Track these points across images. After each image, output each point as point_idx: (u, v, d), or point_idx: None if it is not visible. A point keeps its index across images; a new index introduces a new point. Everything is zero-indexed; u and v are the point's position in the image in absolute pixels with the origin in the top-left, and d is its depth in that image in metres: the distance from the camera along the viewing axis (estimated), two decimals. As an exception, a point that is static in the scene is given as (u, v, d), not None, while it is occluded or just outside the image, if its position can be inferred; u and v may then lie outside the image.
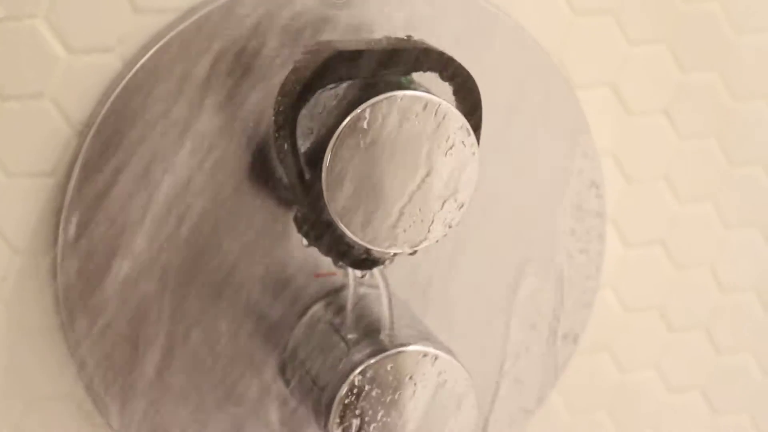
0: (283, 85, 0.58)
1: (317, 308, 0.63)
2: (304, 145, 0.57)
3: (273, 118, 0.58)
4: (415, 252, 0.58)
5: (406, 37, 0.57)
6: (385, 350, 0.59)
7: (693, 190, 0.69)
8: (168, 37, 0.59)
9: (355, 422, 0.58)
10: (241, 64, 0.59)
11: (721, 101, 0.69)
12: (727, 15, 0.67)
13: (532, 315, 0.67)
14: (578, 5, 0.65)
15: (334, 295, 0.63)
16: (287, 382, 0.63)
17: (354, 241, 0.57)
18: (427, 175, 0.56)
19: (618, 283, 0.69)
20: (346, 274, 0.62)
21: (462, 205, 0.57)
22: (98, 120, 0.59)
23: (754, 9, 0.68)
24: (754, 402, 0.73)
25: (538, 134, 0.65)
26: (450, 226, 0.57)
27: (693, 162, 0.69)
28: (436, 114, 0.56)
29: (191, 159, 0.60)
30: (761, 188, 0.70)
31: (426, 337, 0.60)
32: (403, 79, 0.57)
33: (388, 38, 0.57)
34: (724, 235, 0.70)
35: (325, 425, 0.59)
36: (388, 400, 0.59)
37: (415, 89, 0.56)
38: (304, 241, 0.60)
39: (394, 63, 0.56)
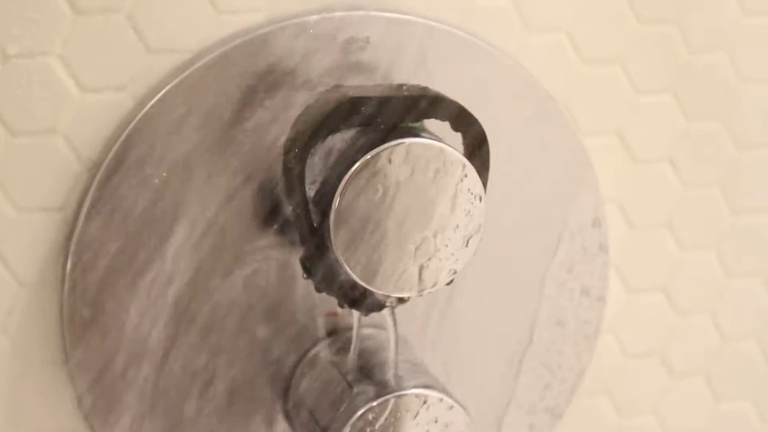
0: (293, 129, 0.58)
1: (321, 348, 0.63)
2: (312, 188, 0.58)
3: (282, 160, 0.59)
4: (421, 295, 0.58)
5: (416, 85, 0.58)
6: (388, 393, 0.59)
7: (696, 237, 0.70)
8: (180, 77, 0.59)
9: (358, 464, 0.59)
10: (251, 105, 0.60)
11: (726, 150, 0.69)
12: (732, 65, 0.68)
13: (536, 359, 0.67)
14: (586, 54, 0.65)
15: (337, 335, 0.63)
16: (290, 422, 0.63)
17: (360, 285, 0.57)
18: (435, 220, 0.57)
19: (619, 328, 0.70)
20: (350, 315, 0.62)
21: (468, 251, 0.58)
22: (109, 157, 0.59)
23: (758, 59, 0.68)
24: (752, 449, 0.74)
25: (544, 180, 0.65)
26: (456, 271, 0.58)
27: (696, 210, 0.69)
28: (445, 161, 0.56)
29: (199, 197, 0.60)
30: (763, 237, 0.71)
31: (428, 381, 0.60)
32: (413, 126, 0.57)
33: (399, 85, 0.58)
34: (726, 283, 0.71)
35: (328, 466, 0.59)
36: (390, 442, 0.59)
37: (425, 136, 0.56)
38: (310, 282, 0.60)
39: (404, 110, 0.57)
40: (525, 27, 0.64)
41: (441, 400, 0.59)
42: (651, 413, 0.71)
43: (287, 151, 0.58)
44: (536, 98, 0.64)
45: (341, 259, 0.57)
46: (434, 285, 0.58)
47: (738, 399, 0.73)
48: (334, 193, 0.56)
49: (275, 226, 0.61)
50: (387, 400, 0.59)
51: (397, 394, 0.59)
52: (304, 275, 0.60)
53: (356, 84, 0.60)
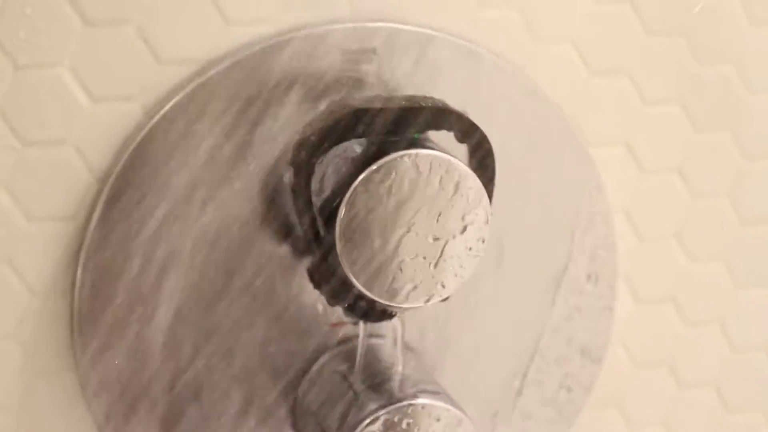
0: (299, 140, 0.58)
1: (327, 358, 0.63)
2: (319, 199, 0.58)
3: (289, 171, 0.59)
4: (428, 305, 0.59)
5: (422, 96, 0.58)
6: (395, 402, 0.59)
7: (704, 248, 0.70)
8: (190, 87, 0.60)
9: (364, 473, 0.59)
10: (261, 117, 0.60)
11: (734, 161, 0.69)
12: (741, 76, 0.68)
13: (544, 370, 0.67)
14: (594, 64, 0.65)
15: (344, 344, 0.64)
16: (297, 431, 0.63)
17: (366, 295, 0.57)
18: (440, 232, 0.57)
19: (628, 339, 0.70)
20: (358, 325, 0.62)
21: (474, 261, 0.58)
22: (118, 167, 0.60)
23: (766, 69, 0.68)
24: (762, 461, 0.74)
25: (552, 191, 0.65)
26: (463, 282, 0.58)
27: (705, 221, 0.69)
28: (450, 172, 0.57)
29: (208, 209, 0.61)
30: (772, 248, 0.71)
31: (435, 391, 0.60)
32: (418, 137, 0.57)
33: (404, 96, 0.58)
34: (735, 294, 0.71)
35: (334, 475, 0.59)
36: (396, 451, 0.59)
37: (430, 148, 0.57)
38: (317, 292, 0.61)
39: (410, 121, 0.57)
40: (532, 38, 0.64)
41: (448, 410, 0.60)
42: (660, 424, 0.71)
43: (293, 161, 0.58)
44: (543, 109, 0.64)
45: (348, 270, 0.57)
46: (440, 295, 0.58)
47: (748, 410, 0.73)
48: (340, 203, 0.56)
49: (283, 236, 0.61)
50: (394, 410, 0.59)
51: (403, 404, 0.59)
52: (312, 285, 0.60)
53: (362, 95, 0.60)
